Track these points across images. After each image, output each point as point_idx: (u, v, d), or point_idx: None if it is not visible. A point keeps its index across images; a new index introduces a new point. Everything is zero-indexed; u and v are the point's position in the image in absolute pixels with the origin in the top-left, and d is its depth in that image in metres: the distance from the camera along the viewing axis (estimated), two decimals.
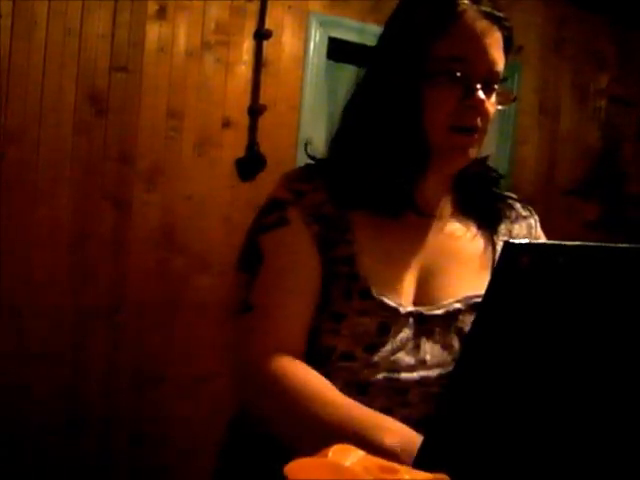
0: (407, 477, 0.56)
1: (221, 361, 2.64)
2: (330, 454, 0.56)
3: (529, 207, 1.17)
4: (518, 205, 1.15)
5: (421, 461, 0.66)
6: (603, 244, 0.62)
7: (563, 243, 0.61)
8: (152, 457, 2.69)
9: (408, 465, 0.66)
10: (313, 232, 1.00)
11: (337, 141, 1.08)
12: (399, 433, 0.79)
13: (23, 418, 2.48)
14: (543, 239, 1.16)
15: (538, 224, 1.16)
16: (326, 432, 0.84)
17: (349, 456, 0.56)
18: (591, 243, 0.61)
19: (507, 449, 0.67)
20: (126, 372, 2.64)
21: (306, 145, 1.12)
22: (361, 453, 0.57)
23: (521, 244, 0.59)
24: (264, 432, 1.02)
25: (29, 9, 2.42)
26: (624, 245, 0.62)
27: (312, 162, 1.11)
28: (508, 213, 1.13)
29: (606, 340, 0.64)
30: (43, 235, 2.50)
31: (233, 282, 1.04)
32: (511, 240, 0.60)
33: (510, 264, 0.59)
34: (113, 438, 2.63)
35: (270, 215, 1.03)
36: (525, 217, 1.15)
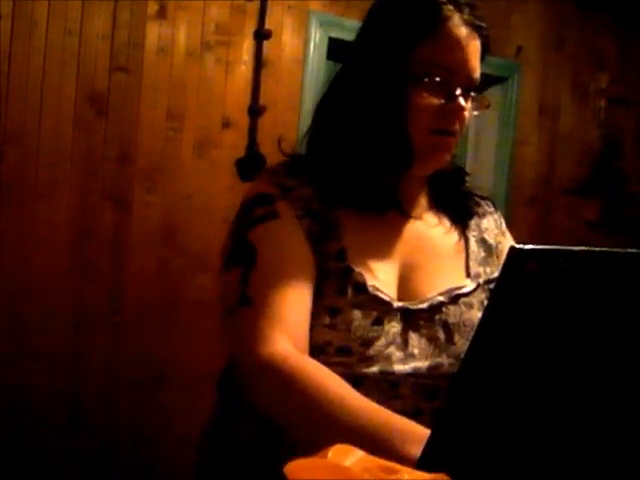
0: (407, 477, 0.56)
1: (220, 361, 2.64)
2: (330, 454, 0.56)
3: (493, 204, 1.22)
4: (483, 202, 1.20)
5: (423, 462, 0.66)
6: (610, 249, 0.62)
7: (569, 248, 0.60)
8: (152, 457, 2.69)
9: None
10: (304, 226, 1.00)
11: (316, 138, 1.09)
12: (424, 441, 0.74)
13: (23, 418, 2.48)
14: (508, 233, 1.21)
15: (502, 219, 1.22)
16: (344, 435, 0.78)
17: (349, 456, 0.56)
18: (597, 248, 0.61)
19: (509, 453, 0.67)
20: (126, 372, 2.64)
21: (279, 142, 1.11)
22: (361, 453, 0.57)
23: (527, 249, 0.59)
24: (248, 433, 1.02)
25: (29, 9, 2.42)
26: (631, 250, 0.62)
27: (289, 159, 1.10)
28: (476, 209, 1.18)
29: (612, 345, 0.64)
30: (43, 235, 2.50)
31: (220, 282, 1.02)
32: (517, 245, 0.60)
33: (516, 269, 0.59)
34: (113, 438, 2.63)
35: (258, 209, 1.01)
36: (491, 213, 1.20)
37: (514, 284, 0.60)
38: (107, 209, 2.59)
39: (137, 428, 2.67)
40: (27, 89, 2.45)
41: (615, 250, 0.61)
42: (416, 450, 0.72)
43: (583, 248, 0.60)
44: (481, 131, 3.35)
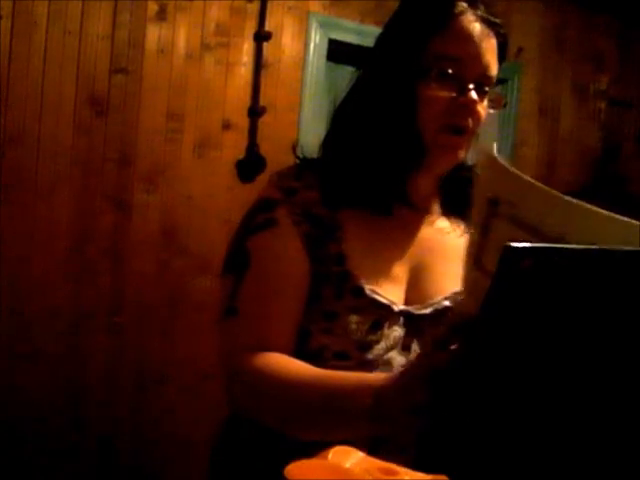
0: (407, 478, 0.56)
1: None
2: (330, 456, 0.56)
3: None
4: None
5: (421, 462, 0.66)
6: (605, 247, 0.62)
7: (564, 246, 0.60)
8: (153, 457, 2.69)
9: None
10: (302, 231, 1.00)
11: (331, 141, 1.08)
12: (368, 393, 0.81)
13: (23, 419, 2.47)
14: None
15: None
16: (309, 413, 0.89)
17: (349, 458, 0.56)
18: (593, 246, 0.61)
19: (506, 451, 0.67)
20: (127, 373, 2.64)
21: (294, 147, 1.12)
22: (361, 455, 0.57)
23: (522, 247, 0.59)
24: (257, 434, 1.02)
25: (29, 10, 2.42)
26: (626, 248, 0.62)
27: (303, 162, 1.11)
28: None
29: (608, 342, 0.64)
30: (43, 235, 2.50)
31: (219, 285, 1.04)
32: (512, 243, 0.60)
33: (511, 267, 0.59)
34: (114, 439, 2.63)
35: (259, 215, 1.03)
36: None
37: (509, 281, 0.60)
38: (107, 210, 2.59)
39: (137, 428, 2.67)
40: (27, 89, 2.45)
41: (609, 247, 0.62)
42: (369, 400, 0.79)
43: (578, 246, 0.60)
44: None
